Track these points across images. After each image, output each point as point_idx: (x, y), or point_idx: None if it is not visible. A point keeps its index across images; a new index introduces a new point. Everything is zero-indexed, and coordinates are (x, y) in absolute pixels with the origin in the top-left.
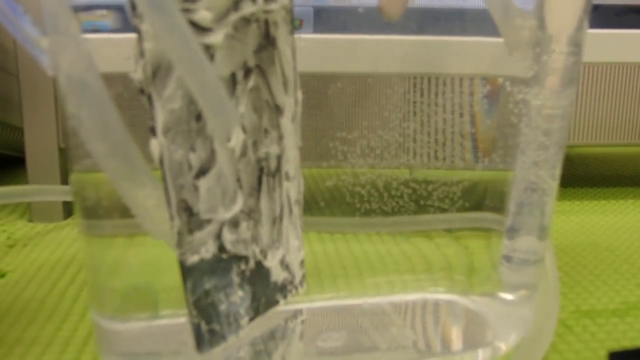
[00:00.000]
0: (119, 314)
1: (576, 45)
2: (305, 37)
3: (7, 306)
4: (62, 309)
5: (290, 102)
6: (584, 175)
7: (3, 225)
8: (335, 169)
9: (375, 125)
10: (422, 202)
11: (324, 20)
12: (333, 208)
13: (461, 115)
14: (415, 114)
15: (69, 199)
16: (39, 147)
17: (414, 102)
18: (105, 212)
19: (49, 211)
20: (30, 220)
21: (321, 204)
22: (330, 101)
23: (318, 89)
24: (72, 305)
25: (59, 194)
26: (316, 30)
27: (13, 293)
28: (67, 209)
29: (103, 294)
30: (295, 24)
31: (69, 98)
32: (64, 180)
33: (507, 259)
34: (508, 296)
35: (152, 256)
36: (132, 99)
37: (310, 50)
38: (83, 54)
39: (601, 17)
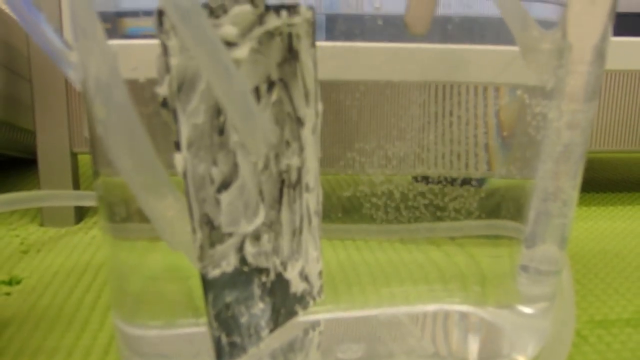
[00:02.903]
0: (142, 319)
1: (600, 56)
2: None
3: (25, 314)
4: (80, 316)
5: (311, 113)
6: (591, 180)
7: (15, 230)
8: (350, 177)
9: (392, 133)
10: (439, 210)
11: (337, 27)
12: (347, 215)
13: (479, 125)
14: (432, 122)
15: (81, 204)
16: (51, 151)
17: (432, 111)
18: (132, 216)
19: (60, 215)
20: (41, 225)
21: (335, 212)
22: (347, 109)
23: (335, 97)
24: (91, 313)
25: (72, 199)
26: (328, 37)
27: (30, 300)
28: (79, 214)
29: (126, 298)
30: None
31: (96, 103)
32: (76, 185)
33: (525, 269)
34: (526, 308)
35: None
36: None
37: (322, 58)
38: (109, 60)
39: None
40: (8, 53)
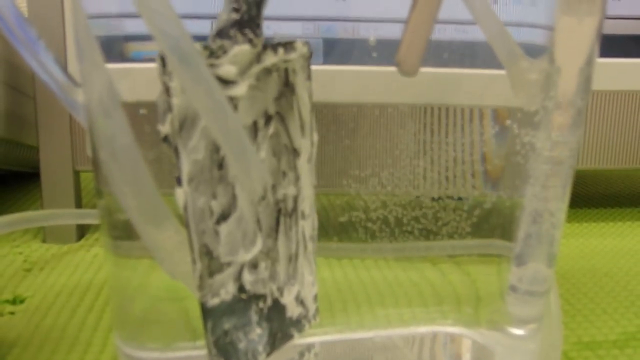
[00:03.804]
0: (144, 341)
1: (586, 80)
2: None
3: (30, 334)
4: (83, 338)
5: (307, 144)
6: (583, 195)
7: (18, 247)
8: (343, 196)
9: (387, 153)
10: (430, 228)
11: (334, 51)
12: (342, 234)
13: (470, 149)
14: (424, 144)
15: (83, 222)
16: (53, 168)
17: (424, 133)
18: (135, 234)
19: (62, 232)
20: (44, 241)
21: (330, 230)
22: (343, 130)
23: (331, 118)
24: (93, 334)
25: (74, 217)
26: (326, 61)
27: (34, 320)
28: (81, 230)
29: (127, 318)
30: None
31: (97, 128)
32: (78, 202)
33: (514, 289)
34: (516, 330)
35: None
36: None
37: (320, 81)
38: (108, 85)
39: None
40: (12, 71)
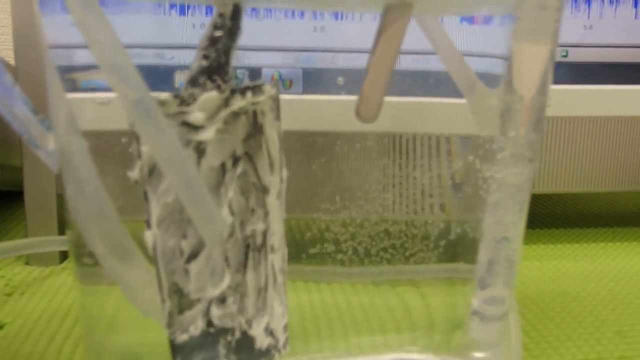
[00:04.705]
0: None
1: (539, 109)
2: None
3: None
4: None
5: (276, 181)
6: (559, 215)
7: (1, 270)
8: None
9: (356, 182)
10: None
11: (312, 81)
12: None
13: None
14: (392, 171)
15: (67, 248)
16: (38, 191)
17: (393, 161)
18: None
19: (45, 254)
20: (27, 263)
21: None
22: (315, 157)
23: (304, 146)
24: None
25: (58, 244)
26: (305, 90)
27: (13, 347)
28: (64, 253)
29: (91, 346)
30: (285, 85)
31: (65, 171)
32: (62, 225)
33: (475, 312)
34: (479, 354)
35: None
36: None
37: (299, 110)
38: (70, 117)
39: (572, 73)
40: None
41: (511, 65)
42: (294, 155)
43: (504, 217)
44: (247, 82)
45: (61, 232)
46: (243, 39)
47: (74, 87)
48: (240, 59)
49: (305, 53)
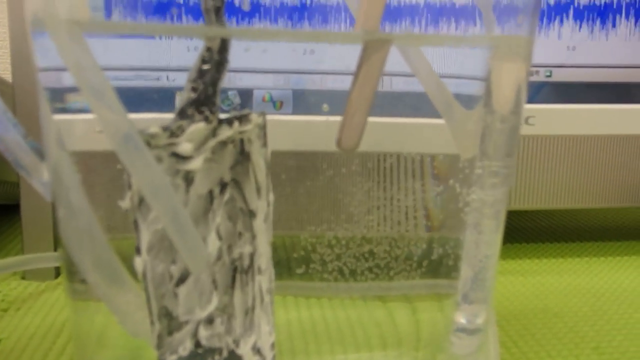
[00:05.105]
0: None
1: (514, 128)
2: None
3: None
4: None
5: (263, 205)
6: (545, 229)
7: None
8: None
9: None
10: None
11: (302, 101)
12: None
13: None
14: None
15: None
16: (34, 205)
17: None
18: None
19: (41, 269)
20: (23, 278)
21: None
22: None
23: (291, 164)
24: None
25: (53, 260)
26: (295, 111)
27: None
28: (59, 267)
29: None
30: (276, 106)
31: (56, 192)
32: (57, 240)
33: (456, 327)
34: None
35: None
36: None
37: (289, 131)
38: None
39: (556, 92)
40: None
41: (489, 84)
42: (286, 173)
43: (483, 235)
44: (237, 101)
45: (57, 246)
46: (235, 62)
47: (63, 108)
48: (232, 81)
49: (295, 75)
